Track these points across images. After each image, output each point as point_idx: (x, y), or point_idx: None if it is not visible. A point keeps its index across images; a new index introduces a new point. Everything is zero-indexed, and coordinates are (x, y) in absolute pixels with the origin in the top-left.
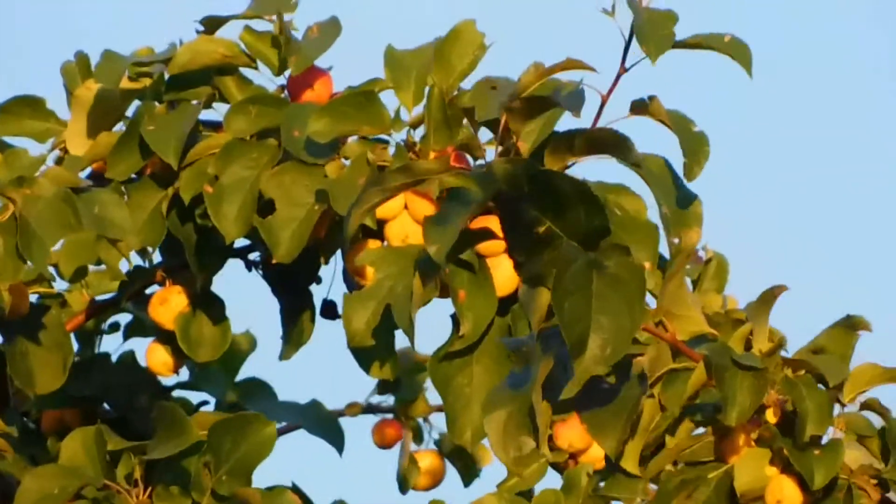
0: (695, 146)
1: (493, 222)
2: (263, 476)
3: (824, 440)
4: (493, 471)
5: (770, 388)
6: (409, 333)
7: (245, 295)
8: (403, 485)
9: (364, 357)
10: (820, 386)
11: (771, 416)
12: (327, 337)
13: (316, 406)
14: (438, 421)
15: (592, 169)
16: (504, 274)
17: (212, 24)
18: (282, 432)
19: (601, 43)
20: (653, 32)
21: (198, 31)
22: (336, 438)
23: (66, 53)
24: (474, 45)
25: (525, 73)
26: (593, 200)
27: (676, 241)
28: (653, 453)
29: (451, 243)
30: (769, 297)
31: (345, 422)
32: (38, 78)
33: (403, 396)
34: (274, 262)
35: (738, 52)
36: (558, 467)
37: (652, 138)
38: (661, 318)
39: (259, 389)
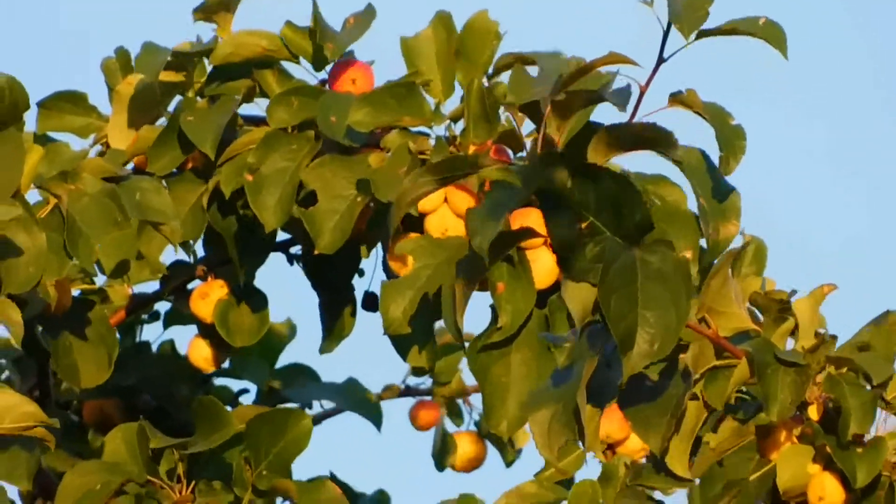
0: (732, 139)
1: (533, 215)
2: (304, 464)
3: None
4: (533, 451)
5: (812, 385)
6: (458, 339)
7: (288, 288)
8: (439, 463)
9: (402, 344)
10: (866, 385)
11: (813, 413)
12: (365, 322)
13: (353, 384)
14: (478, 401)
15: (631, 159)
16: (543, 266)
17: (205, 11)
18: (321, 418)
19: (640, 32)
20: (687, 12)
21: (213, 31)
22: (374, 416)
23: (107, 49)
24: (490, 35)
25: (567, 69)
26: (635, 195)
27: (713, 233)
28: (694, 452)
29: (493, 235)
30: (818, 294)
31: (382, 405)
32: (78, 75)
33: (440, 378)
34: (316, 252)
35: (773, 35)
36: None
37: (689, 129)
38: (703, 315)
39: (302, 375)
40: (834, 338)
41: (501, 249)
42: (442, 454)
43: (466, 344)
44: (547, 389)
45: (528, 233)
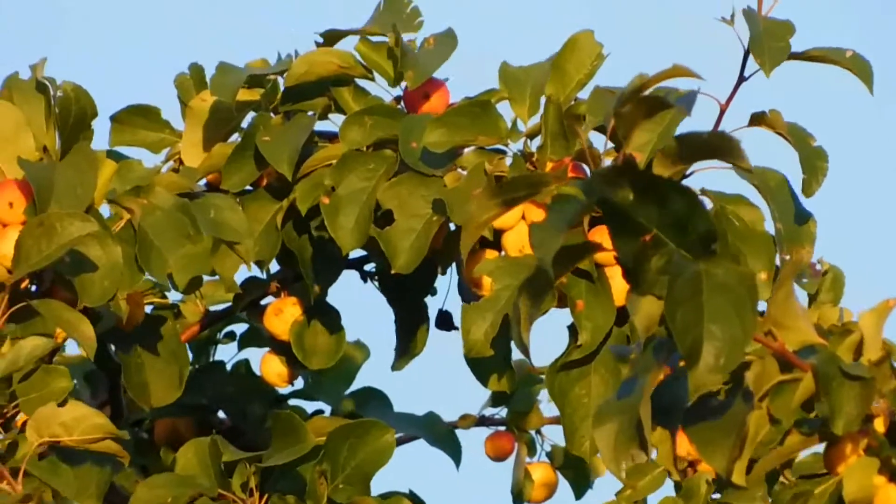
0: (814, 161)
1: (605, 233)
2: (377, 486)
3: None
4: (606, 482)
5: (878, 398)
6: (525, 354)
7: (358, 306)
8: (519, 499)
9: (481, 369)
10: None
11: (879, 426)
12: (440, 349)
13: (433, 418)
14: (550, 433)
15: (712, 180)
16: (622, 283)
17: (331, 38)
18: (397, 443)
19: (720, 52)
20: (768, 43)
21: (317, 44)
22: (454, 451)
23: (181, 65)
24: (592, 56)
25: (631, 83)
26: (699, 206)
27: (787, 257)
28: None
29: (556, 248)
30: (883, 308)
31: (457, 433)
32: (150, 90)
33: (517, 408)
34: (393, 272)
35: (860, 68)
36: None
37: (769, 153)
38: (769, 329)
39: (374, 399)
40: None
41: (567, 263)
42: (522, 491)
43: (534, 362)
44: (612, 403)
45: (595, 246)
